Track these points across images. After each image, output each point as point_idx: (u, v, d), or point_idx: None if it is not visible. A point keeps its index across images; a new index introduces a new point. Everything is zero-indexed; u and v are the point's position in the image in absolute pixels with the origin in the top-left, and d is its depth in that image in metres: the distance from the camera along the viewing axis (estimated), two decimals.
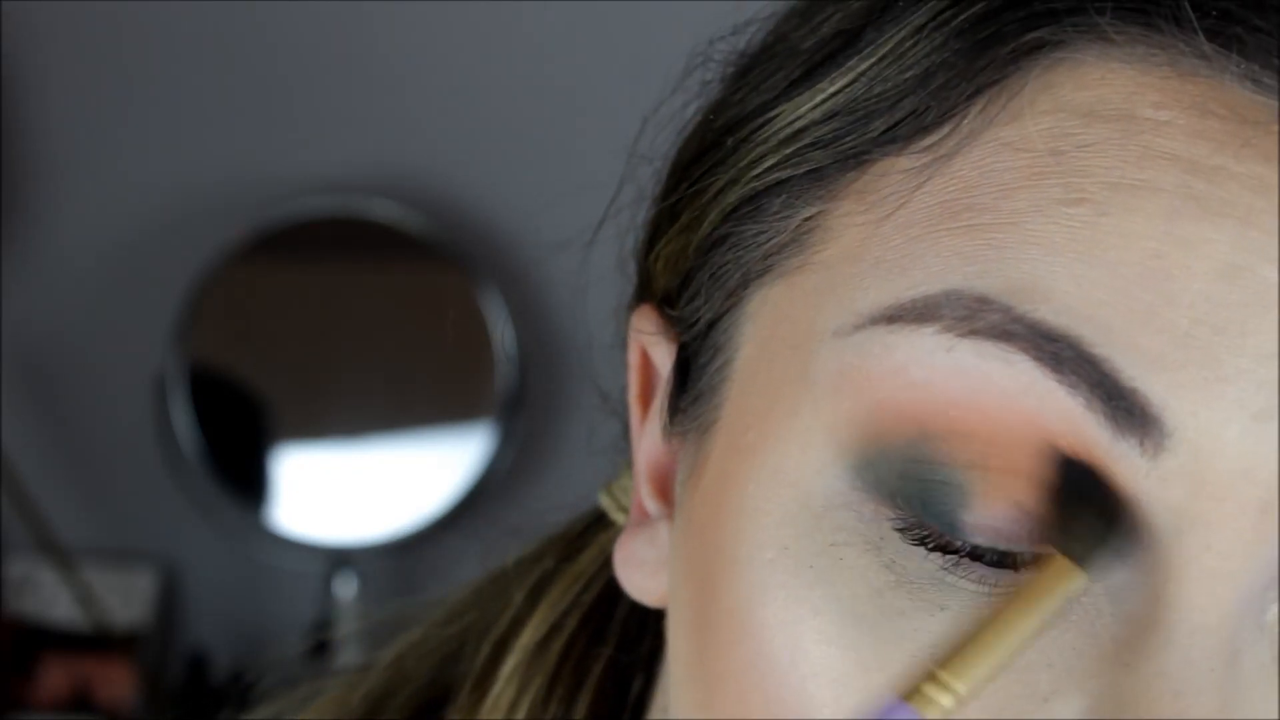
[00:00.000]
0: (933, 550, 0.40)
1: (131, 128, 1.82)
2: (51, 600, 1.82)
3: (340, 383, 1.82)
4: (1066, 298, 0.38)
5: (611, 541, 0.54)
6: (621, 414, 0.54)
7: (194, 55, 1.81)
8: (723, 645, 0.43)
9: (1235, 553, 0.38)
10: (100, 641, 1.80)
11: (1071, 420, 0.38)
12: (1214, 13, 0.39)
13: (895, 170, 0.41)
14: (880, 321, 0.40)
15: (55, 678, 1.81)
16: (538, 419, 1.80)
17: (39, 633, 1.82)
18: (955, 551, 0.39)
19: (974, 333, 0.39)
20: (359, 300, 1.82)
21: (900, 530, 0.40)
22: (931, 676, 0.38)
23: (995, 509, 0.39)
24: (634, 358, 0.50)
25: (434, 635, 0.56)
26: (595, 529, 0.55)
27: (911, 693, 0.38)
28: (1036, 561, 0.39)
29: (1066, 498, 0.39)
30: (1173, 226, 0.38)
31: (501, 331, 1.78)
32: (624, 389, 0.52)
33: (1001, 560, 0.39)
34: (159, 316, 1.78)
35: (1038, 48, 0.40)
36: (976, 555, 0.39)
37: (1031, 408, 0.38)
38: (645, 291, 0.50)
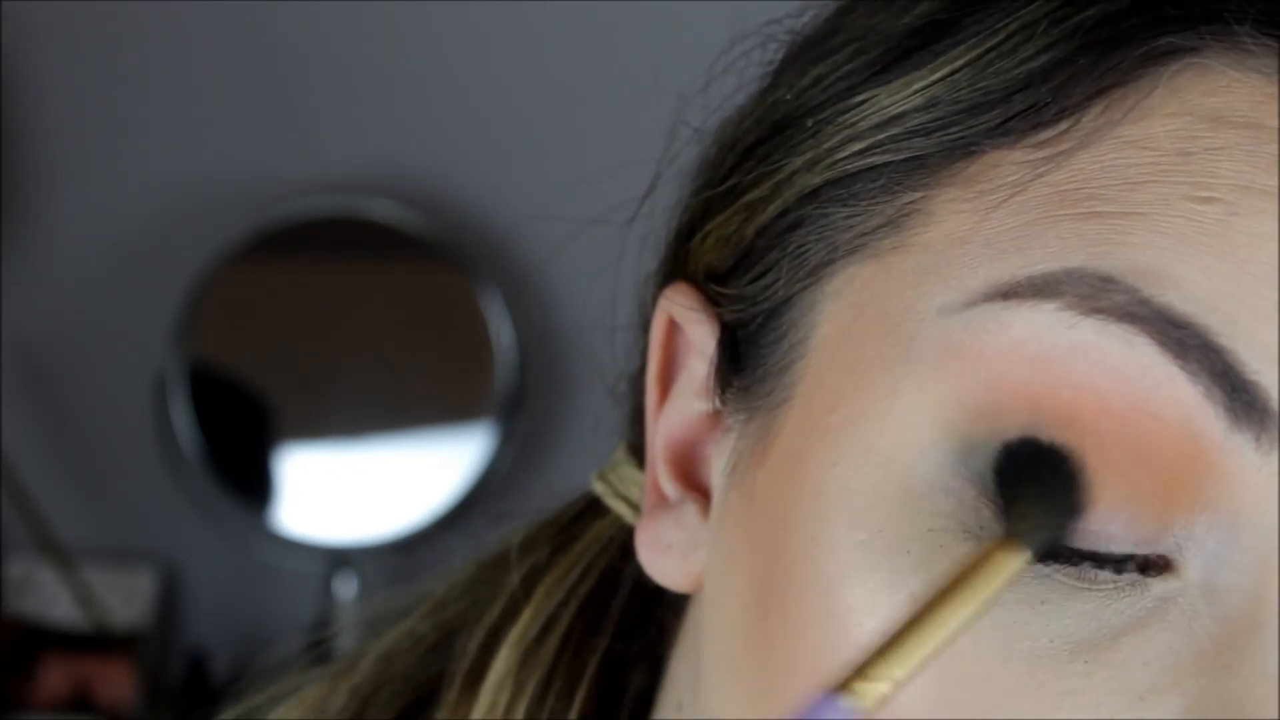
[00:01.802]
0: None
1: (131, 128, 1.82)
2: (51, 600, 1.81)
3: (340, 383, 1.82)
4: (1194, 286, 0.38)
5: (607, 528, 0.54)
6: (628, 398, 0.54)
7: (194, 55, 1.81)
8: (794, 630, 0.42)
9: None
10: (100, 641, 1.80)
11: (1187, 408, 0.38)
12: None
13: (1008, 162, 0.41)
14: (995, 298, 0.40)
15: (55, 678, 1.81)
16: (538, 419, 1.80)
17: (39, 633, 1.81)
18: (1054, 556, 0.39)
19: (1097, 310, 0.39)
20: (359, 300, 1.82)
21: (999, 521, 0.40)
22: (864, 665, 0.37)
23: (1095, 511, 0.39)
24: (658, 335, 0.49)
25: (421, 627, 0.55)
26: (589, 516, 0.54)
27: (843, 683, 0.37)
28: (1131, 559, 0.39)
29: (1021, 480, 0.39)
30: None
31: (501, 331, 1.78)
32: (638, 370, 0.51)
33: (1100, 561, 0.39)
34: (159, 316, 1.78)
35: (1167, 53, 0.40)
36: (1078, 555, 0.39)
37: (1146, 391, 0.38)
38: (680, 269, 0.50)
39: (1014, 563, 0.38)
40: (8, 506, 1.76)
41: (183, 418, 1.77)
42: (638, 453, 0.52)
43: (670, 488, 0.48)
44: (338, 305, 1.81)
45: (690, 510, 0.48)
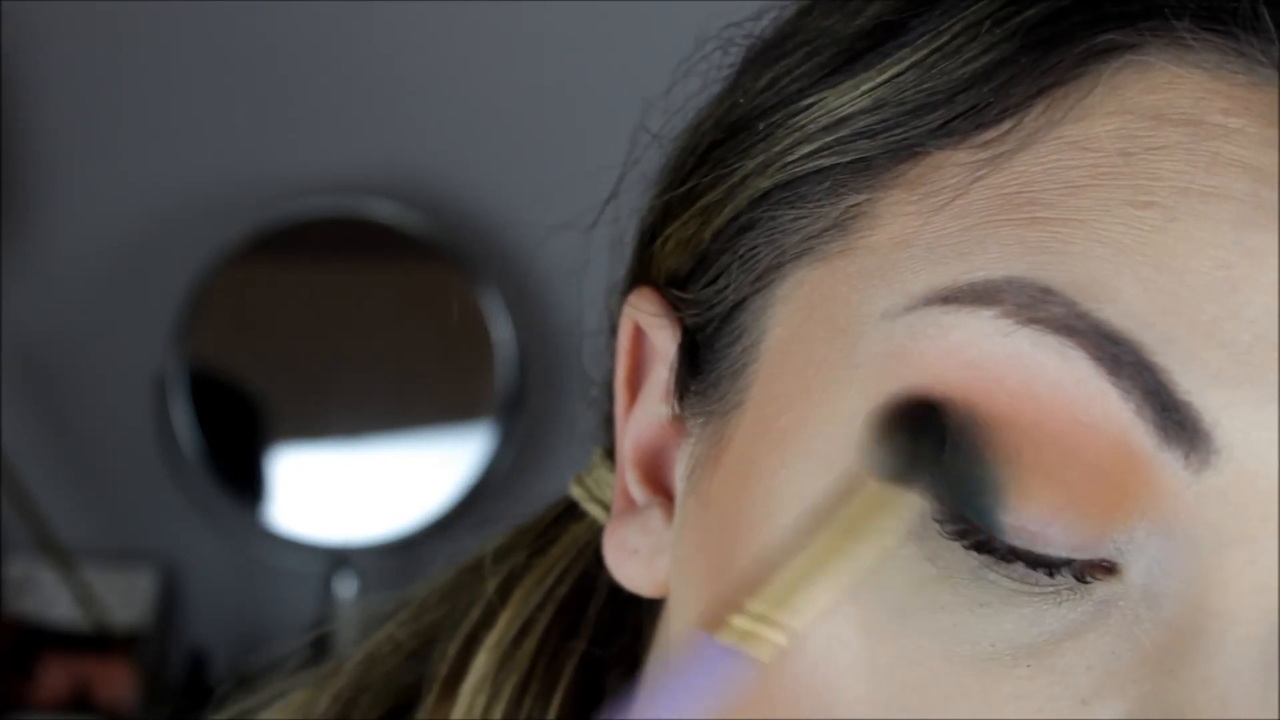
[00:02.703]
0: (969, 548, 0.39)
1: (131, 128, 1.82)
2: (51, 600, 1.82)
3: (340, 383, 1.82)
4: (1132, 301, 0.38)
5: (584, 533, 0.54)
6: (601, 402, 0.54)
7: (194, 55, 1.81)
8: None
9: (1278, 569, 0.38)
10: (100, 641, 1.80)
11: (1118, 422, 0.38)
12: None
13: (951, 163, 0.41)
14: (935, 302, 0.40)
15: (55, 678, 1.81)
16: (538, 419, 1.80)
17: (39, 633, 1.82)
18: (992, 552, 0.39)
19: (1034, 321, 0.39)
20: (359, 300, 1.82)
21: (939, 522, 0.39)
22: (742, 609, 0.37)
23: (1030, 511, 0.39)
24: (625, 340, 0.49)
25: (401, 632, 0.55)
26: (566, 520, 0.55)
27: (724, 629, 0.37)
28: (1070, 564, 0.39)
29: (902, 429, 0.39)
30: (1241, 236, 0.38)
31: (501, 331, 1.78)
32: (608, 374, 0.51)
33: (1037, 562, 0.39)
34: (159, 316, 1.78)
35: (1107, 50, 0.40)
36: (1014, 555, 0.39)
37: (1081, 403, 0.38)
38: (644, 274, 0.50)
39: (905, 502, 0.38)
40: (8, 506, 1.76)
41: (183, 418, 1.77)
42: (613, 456, 0.52)
43: (638, 492, 0.48)
44: (338, 305, 1.81)
45: (656, 515, 0.48)
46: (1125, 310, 0.38)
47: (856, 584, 0.38)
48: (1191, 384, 0.38)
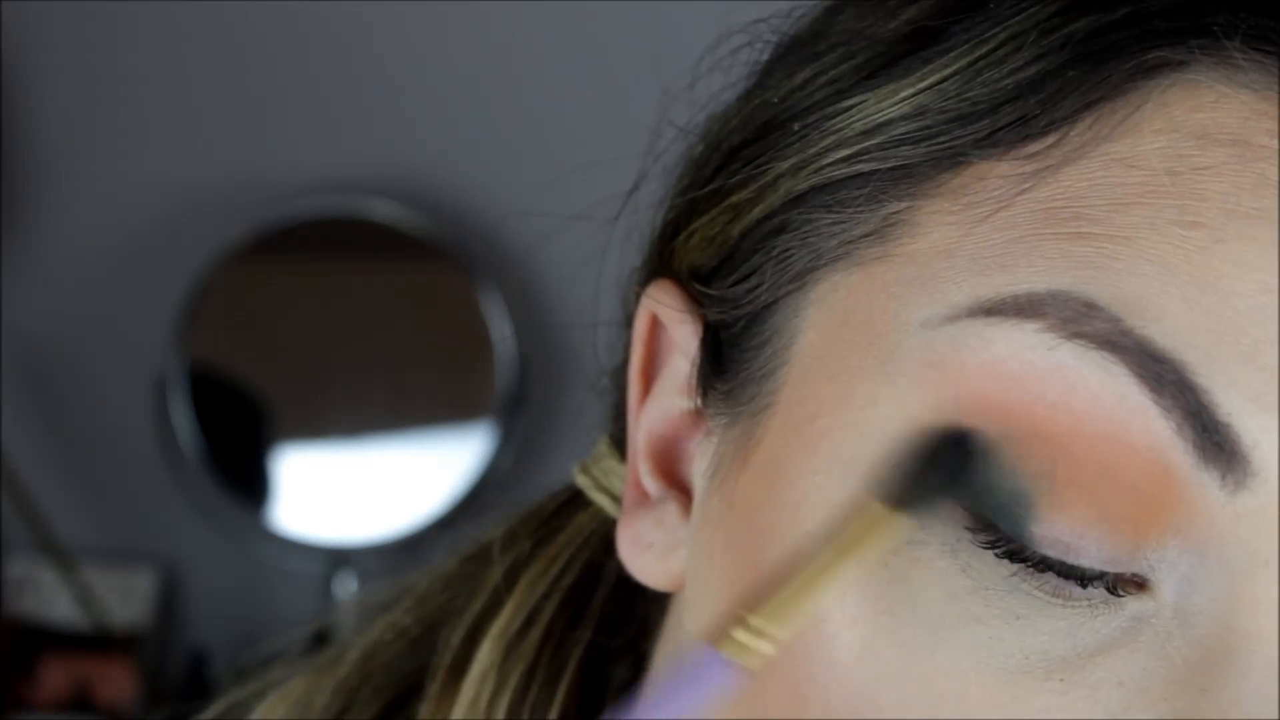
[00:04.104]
0: (1001, 557, 0.39)
1: (131, 128, 1.82)
2: (51, 600, 1.81)
3: (340, 383, 1.82)
4: (1177, 320, 0.38)
5: (590, 521, 0.54)
6: (612, 392, 0.54)
7: (193, 55, 1.81)
8: None
9: None
10: (100, 641, 1.80)
11: (1158, 440, 0.38)
12: None
13: (995, 174, 0.41)
14: (978, 314, 0.40)
15: (55, 678, 1.81)
16: (538, 419, 1.79)
17: (39, 633, 1.81)
18: (1024, 560, 0.39)
19: (1078, 335, 0.39)
20: (359, 300, 1.82)
21: (971, 532, 0.40)
22: (744, 623, 0.38)
23: (1063, 522, 0.39)
24: (641, 330, 0.49)
25: (404, 621, 0.55)
26: (571, 508, 0.54)
27: (725, 641, 0.38)
28: (1102, 578, 0.39)
29: (922, 454, 0.39)
30: None
31: (501, 331, 1.78)
32: (620, 364, 0.51)
33: (1069, 572, 0.39)
34: (159, 316, 1.78)
35: (1157, 67, 0.40)
36: (1046, 565, 0.39)
37: (1120, 419, 0.38)
38: (664, 266, 0.49)
39: (892, 521, 0.39)
40: (8, 506, 1.76)
41: (183, 418, 1.77)
42: (620, 446, 0.52)
43: (652, 484, 0.48)
44: (338, 305, 1.81)
45: (671, 509, 0.48)
46: (1169, 329, 0.38)
47: (839, 589, 0.38)
48: (1232, 406, 0.38)
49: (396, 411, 1.82)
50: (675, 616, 0.49)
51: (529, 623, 0.53)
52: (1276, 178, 0.39)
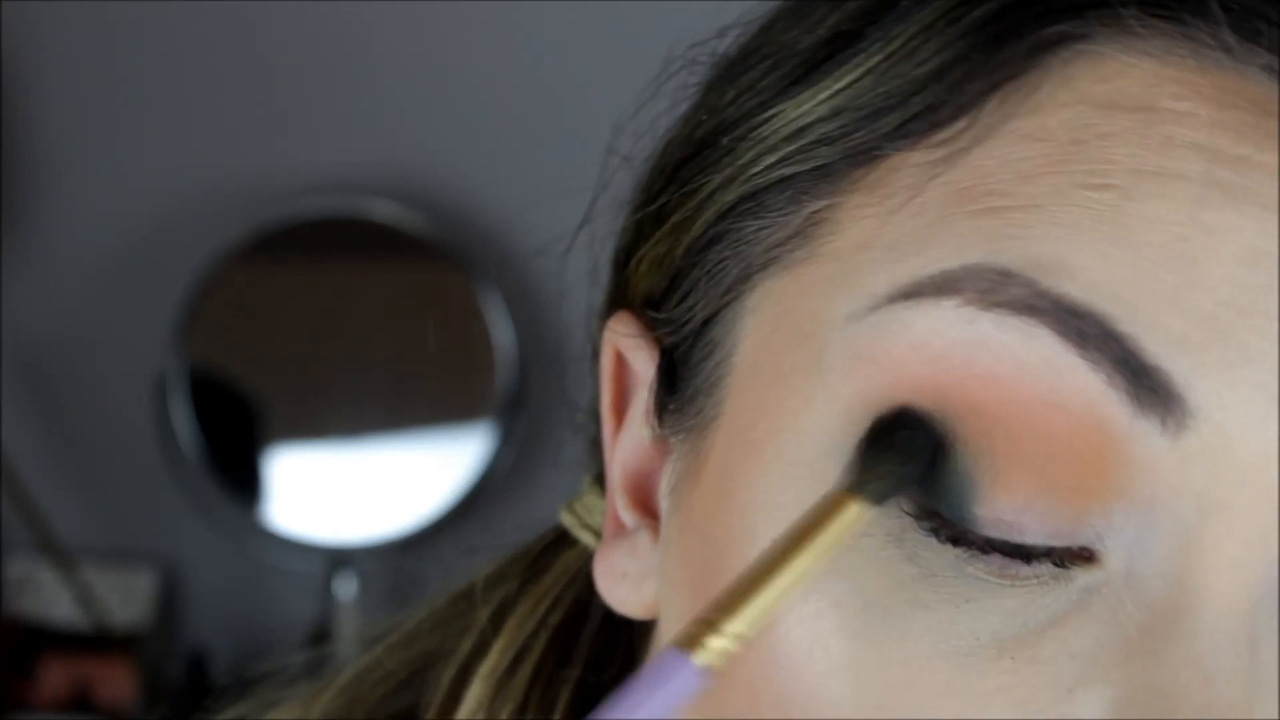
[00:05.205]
0: (945, 542, 0.39)
1: (131, 128, 1.82)
2: (51, 600, 1.82)
3: (340, 383, 1.82)
4: (1091, 275, 0.38)
5: (576, 560, 0.54)
6: (589, 428, 0.54)
7: (193, 56, 1.81)
8: None
9: (1256, 539, 0.38)
10: (100, 641, 1.80)
11: (1090, 397, 0.38)
12: (1237, 7, 0.39)
13: (909, 164, 0.41)
14: (897, 299, 0.40)
15: (55, 678, 1.81)
16: (538, 419, 1.80)
17: (39, 633, 1.82)
18: (969, 544, 0.39)
19: (996, 305, 0.39)
20: (359, 300, 1.82)
21: (915, 519, 0.40)
22: (707, 623, 0.38)
23: (1004, 500, 0.39)
24: (608, 365, 0.49)
25: (390, 659, 0.55)
26: (558, 547, 0.55)
27: (688, 642, 0.38)
28: (1049, 554, 0.39)
29: (880, 442, 0.39)
30: (1198, 212, 0.38)
31: (501, 331, 1.78)
32: (594, 400, 0.51)
33: (1014, 552, 0.39)
34: (159, 316, 1.78)
35: (1057, 41, 0.40)
36: (991, 546, 0.39)
37: (1049, 382, 0.38)
38: (621, 297, 0.50)
39: (852, 511, 0.39)
40: (8, 506, 1.76)
41: (182, 418, 1.77)
42: (602, 483, 0.52)
43: (628, 516, 0.48)
44: (338, 305, 1.81)
45: (644, 538, 0.48)
46: (1086, 284, 0.38)
47: (800, 582, 0.39)
48: (1160, 349, 0.38)
49: (396, 412, 1.82)
50: (654, 644, 0.50)
51: (518, 661, 0.53)
52: (1181, 139, 0.39)
